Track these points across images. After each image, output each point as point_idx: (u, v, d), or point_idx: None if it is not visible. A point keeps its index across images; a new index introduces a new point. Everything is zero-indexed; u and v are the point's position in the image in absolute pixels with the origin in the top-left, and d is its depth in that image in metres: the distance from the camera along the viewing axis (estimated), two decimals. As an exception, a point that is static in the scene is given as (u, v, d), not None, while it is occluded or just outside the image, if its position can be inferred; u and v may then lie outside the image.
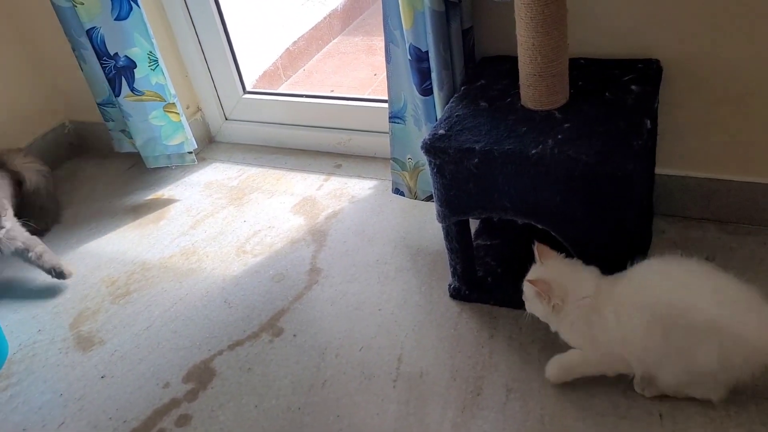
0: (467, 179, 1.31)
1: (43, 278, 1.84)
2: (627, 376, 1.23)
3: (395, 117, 1.69)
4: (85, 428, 1.40)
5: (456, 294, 1.53)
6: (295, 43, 2.91)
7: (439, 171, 1.35)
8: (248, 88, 2.32)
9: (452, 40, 1.49)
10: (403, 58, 1.57)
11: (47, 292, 1.81)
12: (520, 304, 1.45)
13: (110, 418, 1.41)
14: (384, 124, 1.76)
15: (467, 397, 1.31)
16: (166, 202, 2.10)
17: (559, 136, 1.24)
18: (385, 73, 1.66)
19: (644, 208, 1.49)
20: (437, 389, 1.34)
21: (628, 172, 1.17)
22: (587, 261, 1.27)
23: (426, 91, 1.55)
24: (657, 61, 1.42)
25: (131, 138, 2.12)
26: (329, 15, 3.09)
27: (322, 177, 2.07)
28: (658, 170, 1.56)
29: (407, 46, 1.51)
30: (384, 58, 1.63)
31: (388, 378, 1.38)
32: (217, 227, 1.94)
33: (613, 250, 1.28)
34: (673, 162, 1.55)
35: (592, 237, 1.26)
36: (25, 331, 1.69)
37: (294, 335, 1.53)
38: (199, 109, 2.33)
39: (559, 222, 1.27)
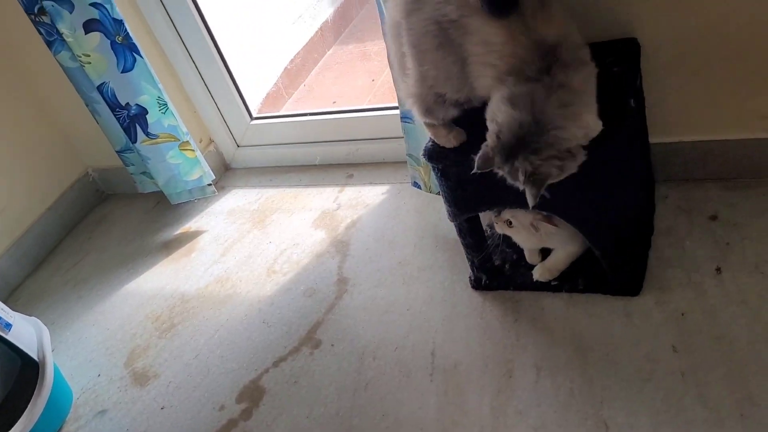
0: (471, 179, 1.39)
1: (93, 322, 1.96)
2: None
3: (405, 118, 1.77)
4: (154, 457, 1.52)
5: (477, 285, 1.61)
6: (292, 61, 3.00)
7: (443, 174, 1.43)
8: (254, 111, 2.42)
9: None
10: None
11: (98, 336, 1.93)
12: (539, 287, 1.55)
13: (176, 445, 1.53)
14: (389, 130, 1.85)
15: (501, 380, 1.40)
16: (195, 234, 2.22)
17: (551, 127, 1.31)
18: (381, 78, 1.73)
19: (643, 181, 1.56)
20: (472, 377, 1.43)
21: (621, 155, 1.24)
22: (599, 241, 1.35)
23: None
24: (635, 40, 1.48)
25: (153, 179, 2.23)
26: (321, 28, 3.18)
27: (337, 189, 2.17)
28: (652, 140, 1.62)
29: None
30: (382, 63, 1.70)
31: (425, 372, 1.48)
32: (246, 251, 2.05)
33: (621, 227, 1.35)
34: (666, 130, 1.61)
35: (596, 217, 1.34)
36: (84, 375, 1.81)
37: (332, 345, 1.63)
38: (211, 141, 2.43)
39: (563, 207, 1.35)
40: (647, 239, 1.54)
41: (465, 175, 1.39)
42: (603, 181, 1.28)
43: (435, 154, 1.41)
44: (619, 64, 1.41)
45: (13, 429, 1.54)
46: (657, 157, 1.64)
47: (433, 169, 1.44)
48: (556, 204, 1.35)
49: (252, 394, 1.58)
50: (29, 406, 1.58)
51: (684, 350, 1.31)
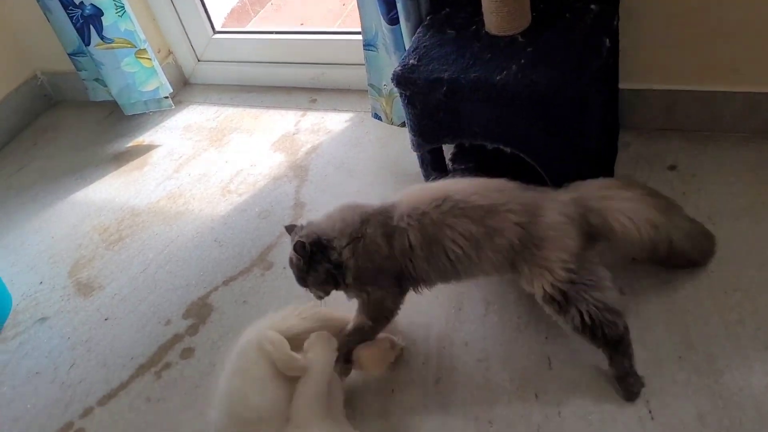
0: (437, 108, 1.37)
1: (36, 229, 1.90)
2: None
3: (369, 45, 1.71)
4: (95, 367, 1.50)
5: (434, 218, 1.60)
6: (261, -24, 2.87)
7: (410, 102, 1.40)
8: (217, 27, 2.31)
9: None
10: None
11: (42, 244, 1.87)
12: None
13: (118, 357, 1.50)
14: (356, 56, 1.79)
15: (450, 312, 1.41)
16: (148, 148, 2.14)
17: (522, 61, 1.28)
18: (352, 3, 1.67)
19: (607, 125, 1.56)
20: (421, 308, 1.43)
21: (585, 94, 1.23)
22: (556, 179, 1.35)
23: (393, 20, 1.57)
24: (615, -21, 1.45)
25: (106, 86, 2.13)
26: (293, -57, 3.03)
27: (299, 113, 2.11)
28: (621, 85, 1.61)
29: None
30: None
31: (376, 300, 1.47)
32: (201, 169, 1.99)
33: (578, 167, 1.35)
34: (636, 76, 1.60)
35: (557, 157, 1.33)
36: (25, 282, 1.76)
37: (284, 268, 1.61)
38: (170, 53, 2.33)
39: (525, 145, 1.33)
40: (606, 183, 1.54)
41: (432, 104, 1.36)
42: (568, 119, 1.27)
43: (403, 80, 1.37)
44: (598, 3, 1.38)
45: (-53, 331, 1.49)
46: (624, 104, 1.64)
47: (401, 96, 1.40)
48: (518, 142, 1.34)
49: (199, 311, 1.56)
50: (-35, 309, 1.53)
51: (631, 294, 1.33)
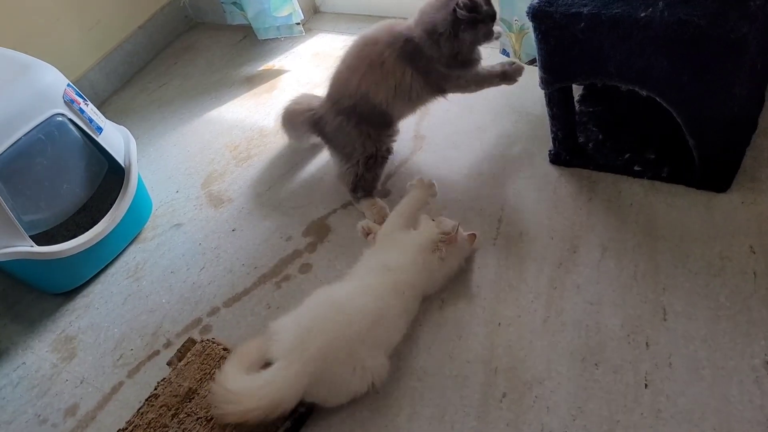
0: (572, 45, 1.32)
1: (174, 142, 2.04)
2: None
3: (500, -21, 1.67)
4: (222, 272, 1.62)
5: (556, 159, 1.58)
6: None
7: (543, 37, 1.36)
8: (351, -45, 2.32)
9: None
10: None
11: (179, 156, 2.01)
12: (620, 170, 1.50)
13: (243, 265, 1.62)
14: (489, -11, 1.74)
15: (563, 254, 1.40)
16: (278, 72, 2.22)
17: (670, -1, 1.21)
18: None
19: (758, 70, 1.45)
20: (535, 247, 1.43)
21: (743, 34, 1.14)
22: (695, 129, 1.28)
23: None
24: None
25: (242, 10, 2.21)
26: None
27: (426, 45, 2.10)
28: (778, 32, 1.49)
29: None
30: None
31: (489, 237, 1.49)
32: (326, 96, 2.04)
33: (721, 116, 1.28)
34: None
35: (699, 102, 1.26)
36: (164, 189, 1.91)
37: (400, 197, 1.64)
38: (304, -21, 2.37)
39: (665, 88, 1.27)
40: (748, 136, 1.45)
41: (567, 40, 1.33)
42: (717, 62, 1.19)
43: (540, 14, 1.33)
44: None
45: (95, 227, 1.65)
46: (778, 52, 1.51)
47: (534, 30, 1.37)
48: (657, 84, 1.28)
49: (318, 231, 1.64)
50: (113, 208, 1.69)
51: (762, 253, 1.27)
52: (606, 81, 1.36)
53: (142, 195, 1.79)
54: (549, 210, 1.50)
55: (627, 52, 1.27)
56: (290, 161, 1.86)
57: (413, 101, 1.59)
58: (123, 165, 1.71)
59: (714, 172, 1.38)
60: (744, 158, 1.43)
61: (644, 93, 1.33)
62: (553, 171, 1.58)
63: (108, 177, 1.72)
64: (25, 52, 1.66)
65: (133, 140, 1.79)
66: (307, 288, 1.50)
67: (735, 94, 1.25)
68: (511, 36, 1.78)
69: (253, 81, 2.22)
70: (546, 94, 1.48)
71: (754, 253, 1.27)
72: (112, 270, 1.72)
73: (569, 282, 1.35)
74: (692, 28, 1.16)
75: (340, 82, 1.60)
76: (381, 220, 1.54)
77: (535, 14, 1.34)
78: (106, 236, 1.66)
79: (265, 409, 1.15)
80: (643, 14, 1.21)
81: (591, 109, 1.65)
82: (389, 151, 1.63)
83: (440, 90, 1.60)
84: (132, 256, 1.74)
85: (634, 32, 1.23)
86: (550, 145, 1.59)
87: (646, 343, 1.21)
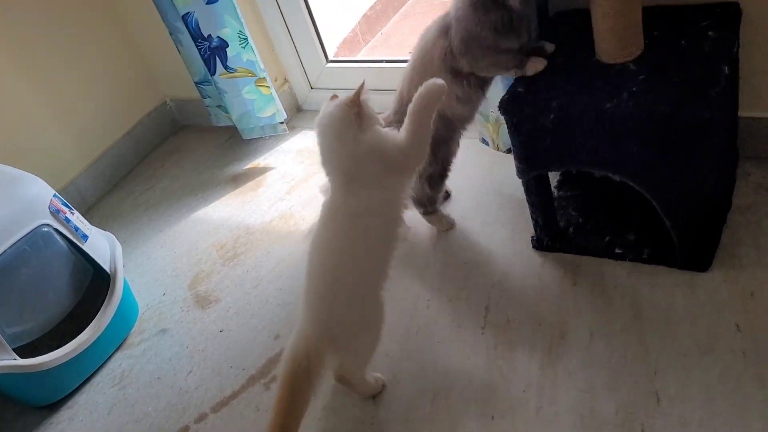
0: (544, 135, 1.37)
1: (161, 244, 2.05)
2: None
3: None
4: (209, 375, 1.59)
5: (539, 245, 1.60)
6: (372, 7, 2.98)
7: (516, 129, 1.41)
8: (330, 56, 2.42)
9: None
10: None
11: (165, 258, 2.02)
12: (602, 253, 1.52)
13: (231, 366, 1.59)
14: (462, 84, 1.82)
15: (552, 340, 1.39)
16: (263, 171, 2.26)
17: (634, 89, 1.27)
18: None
19: (726, 153, 1.50)
20: (524, 334, 1.43)
21: (705, 120, 1.19)
22: (672, 211, 1.31)
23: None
24: (736, 4, 1.40)
25: (227, 112, 2.28)
26: (404, -24, 3.13)
27: (406, 138, 2.16)
28: (742, 113, 1.55)
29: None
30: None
31: (477, 326, 1.48)
32: (311, 192, 2.08)
33: (697, 199, 1.31)
34: (757, 104, 1.53)
35: (671, 186, 1.30)
36: (150, 292, 1.90)
37: (388, 288, 1.65)
38: (286, 81, 2.46)
39: (637, 174, 1.31)
40: (723, 215, 1.48)
41: (538, 131, 1.37)
42: (684, 147, 1.24)
43: (510, 107, 1.39)
44: (716, 29, 1.35)
45: (81, 334, 1.64)
46: (744, 132, 1.57)
47: (507, 122, 1.42)
48: (629, 170, 1.32)
49: (306, 328, 1.63)
50: (99, 314, 1.68)
51: (748, 330, 1.27)
52: (579, 168, 1.40)
53: (128, 300, 1.78)
54: (535, 296, 1.50)
55: (597, 140, 1.31)
56: (277, 257, 1.87)
57: (467, 95, 1.50)
58: (108, 271, 1.72)
59: (693, 252, 1.40)
60: (722, 236, 1.45)
61: (618, 178, 1.36)
62: (536, 257, 1.60)
63: (93, 284, 1.72)
64: (13, 162, 1.70)
65: (119, 245, 1.81)
66: (296, 388, 1.48)
67: (706, 176, 1.29)
68: (488, 126, 1.84)
69: (239, 180, 2.26)
70: (523, 183, 1.52)
71: (740, 331, 1.27)
72: (97, 378, 1.69)
73: (560, 368, 1.34)
74: (657, 116, 1.21)
75: (400, 89, 1.55)
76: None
77: (506, 108, 1.40)
78: (91, 344, 1.64)
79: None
80: (608, 104, 1.26)
81: (569, 194, 1.69)
82: (450, 164, 1.64)
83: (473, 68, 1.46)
84: (118, 363, 1.72)
85: (602, 122, 1.27)
86: (531, 230, 1.61)
87: (642, 430, 1.19)
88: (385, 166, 1.25)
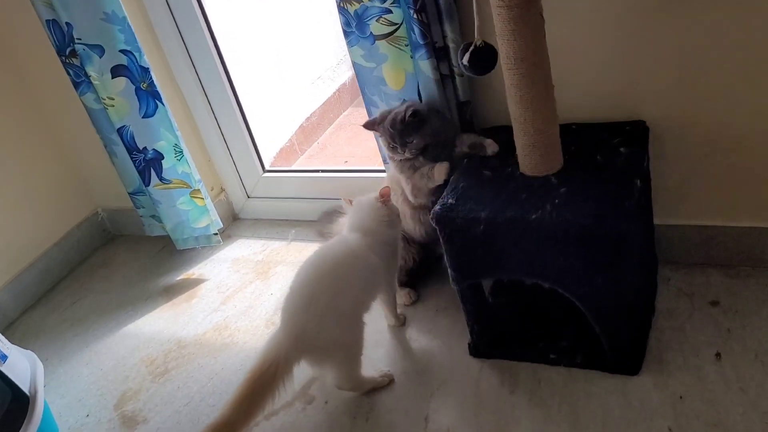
0: (475, 246, 1.41)
1: (87, 361, 1.95)
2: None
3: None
4: (135, 505, 1.49)
5: (476, 352, 1.61)
6: (308, 118, 3.07)
7: (448, 239, 1.45)
8: (267, 165, 2.46)
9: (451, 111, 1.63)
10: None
11: (91, 376, 1.92)
12: (537, 358, 1.54)
13: (158, 494, 1.49)
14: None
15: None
16: (197, 281, 2.22)
17: (557, 201, 1.34)
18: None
19: (645, 260, 1.58)
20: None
21: (623, 231, 1.26)
22: (599, 318, 1.35)
23: (432, 163, 1.67)
24: (643, 122, 1.52)
25: (161, 222, 2.26)
26: (338, 90, 3.26)
27: (342, 246, 2.18)
28: (657, 221, 1.64)
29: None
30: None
31: (417, 438, 1.46)
32: (246, 302, 2.05)
33: (622, 306, 1.36)
34: (671, 213, 1.63)
35: (596, 293, 1.35)
36: (72, 415, 1.79)
37: (325, 402, 1.61)
38: (222, 190, 2.47)
39: (564, 281, 1.36)
40: (648, 320, 1.54)
41: (470, 241, 1.42)
42: (605, 258, 1.30)
43: (442, 219, 1.43)
44: (627, 145, 1.45)
45: (-5, 464, 1.51)
46: (661, 239, 1.66)
47: (439, 233, 1.46)
48: (556, 278, 1.36)
49: (240, 448, 1.55)
50: (15, 441, 1.55)
51: (681, 434, 1.29)
52: (510, 277, 1.44)
53: (47, 424, 1.66)
54: (474, 406, 1.49)
55: (525, 250, 1.36)
56: (210, 371, 1.81)
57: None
58: (28, 393, 1.61)
59: (623, 357, 1.43)
60: (648, 341, 1.50)
61: (547, 285, 1.41)
62: (474, 363, 1.60)
63: (11, 407, 1.60)
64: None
65: (41, 365, 1.71)
66: None
67: (628, 283, 1.35)
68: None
69: (172, 291, 2.21)
70: (457, 291, 1.55)
71: (674, 435, 1.29)
72: None
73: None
74: (578, 227, 1.27)
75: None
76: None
77: (438, 219, 1.44)
78: (4, 476, 1.51)
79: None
80: (534, 216, 1.32)
81: (503, 300, 1.72)
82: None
83: None
84: (33, 495, 1.58)
85: (528, 232, 1.33)
86: (468, 337, 1.62)
87: None
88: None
